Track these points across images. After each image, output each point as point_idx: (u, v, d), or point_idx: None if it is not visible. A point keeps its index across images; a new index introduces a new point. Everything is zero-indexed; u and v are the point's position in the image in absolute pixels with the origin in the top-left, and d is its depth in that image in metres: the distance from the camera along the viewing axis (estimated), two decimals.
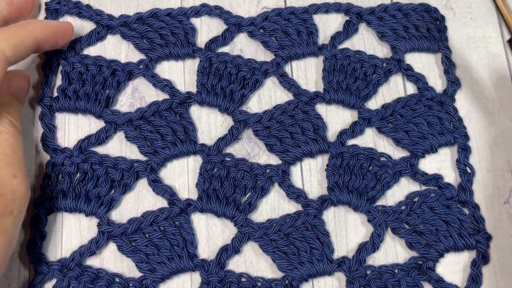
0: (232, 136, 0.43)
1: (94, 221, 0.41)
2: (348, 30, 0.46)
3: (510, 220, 0.42)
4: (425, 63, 0.46)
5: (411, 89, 0.45)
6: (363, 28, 0.46)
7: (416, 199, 0.42)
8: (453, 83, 0.44)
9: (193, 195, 0.42)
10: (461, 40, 0.47)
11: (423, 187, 0.42)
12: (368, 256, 0.40)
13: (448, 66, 0.45)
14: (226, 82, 0.44)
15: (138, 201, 0.41)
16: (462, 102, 0.45)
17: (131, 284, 0.39)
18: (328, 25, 0.46)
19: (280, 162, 0.42)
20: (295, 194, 0.41)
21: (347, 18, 0.46)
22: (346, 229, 0.41)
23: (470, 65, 0.46)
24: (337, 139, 0.43)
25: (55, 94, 0.43)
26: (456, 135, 0.43)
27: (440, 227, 0.41)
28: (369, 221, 0.41)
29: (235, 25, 0.45)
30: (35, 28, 0.39)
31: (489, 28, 0.47)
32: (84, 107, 0.42)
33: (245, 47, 0.45)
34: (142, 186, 0.42)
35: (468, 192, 0.42)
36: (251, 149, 0.43)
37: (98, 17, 0.45)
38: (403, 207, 0.41)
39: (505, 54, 0.46)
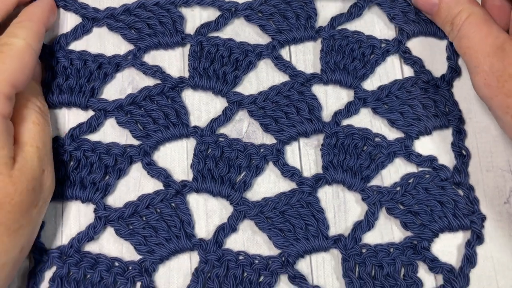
0: (225, 117, 0.44)
1: (92, 207, 0.42)
2: (352, 13, 0.46)
3: (510, 220, 0.42)
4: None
5: (408, 72, 0.46)
6: (366, 10, 0.47)
7: (411, 180, 0.43)
8: (453, 70, 0.45)
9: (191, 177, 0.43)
10: None
11: (419, 169, 0.43)
12: (363, 234, 0.42)
13: (452, 52, 0.46)
14: (219, 65, 0.45)
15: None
16: (463, 103, 0.45)
17: (130, 267, 0.40)
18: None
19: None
20: (289, 172, 0.43)
21: (355, 1, 0.47)
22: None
23: None
24: (332, 119, 0.44)
25: None
26: (450, 118, 0.44)
27: (434, 207, 0.42)
28: (363, 199, 0.42)
29: (229, 10, 0.46)
30: (39, 16, 0.42)
31: None
32: (68, 100, 0.43)
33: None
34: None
35: (463, 174, 0.43)
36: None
37: (83, 10, 0.45)
38: (398, 188, 0.43)
39: None
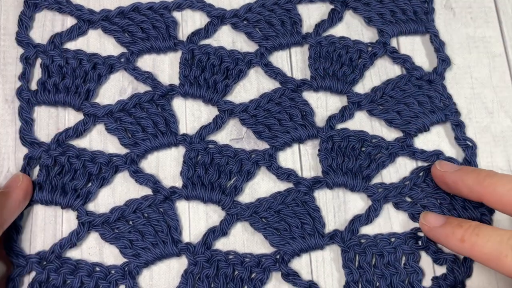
0: (216, 124, 0.44)
1: (72, 213, 0.42)
2: (333, 18, 0.48)
3: (510, 220, 0.42)
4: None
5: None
6: (348, 15, 0.48)
7: (421, 174, 0.43)
8: (444, 62, 0.46)
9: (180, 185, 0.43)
10: (461, 40, 0.48)
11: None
12: (361, 226, 0.42)
13: (438, 44, 0.47)
14: (209, 73, 0.45)
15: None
16: (462, 102, 0.46)
17: (113, 271, 0.40)
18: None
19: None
20: (285, 174, 0.43)
21: (332, 7, 0.48)
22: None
23: (470, 65, 0.47)
24: (326, 124, 0.44)
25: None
26: (447, 113, 0.45)
27: (443, 200, 0.42)
28: (368, 196, 0.43)
29: (218, 17, 0.47)
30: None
31: (489, 28, 0.49)
32: (64, 99, 0.44)
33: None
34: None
35: (473, 165, 0.43)
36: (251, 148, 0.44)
37: (79, 11, 0.46)
38: (407, 182, 0.43)
39: (505, 54, 0.48)
